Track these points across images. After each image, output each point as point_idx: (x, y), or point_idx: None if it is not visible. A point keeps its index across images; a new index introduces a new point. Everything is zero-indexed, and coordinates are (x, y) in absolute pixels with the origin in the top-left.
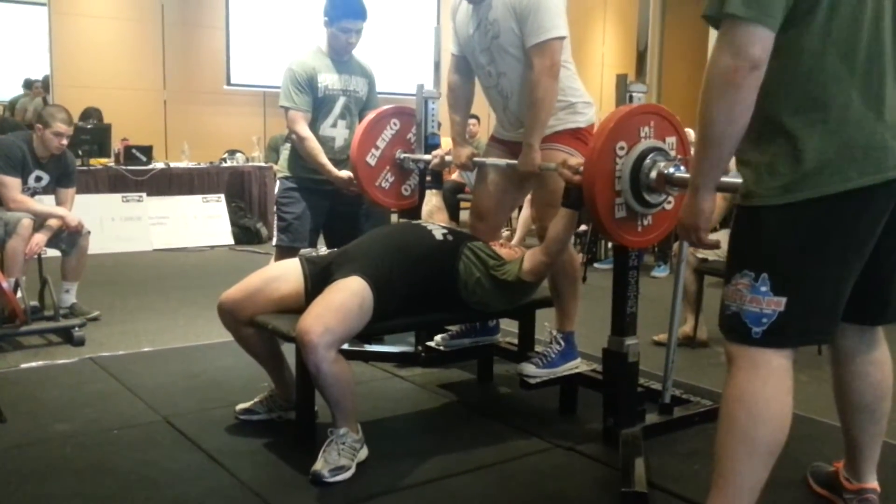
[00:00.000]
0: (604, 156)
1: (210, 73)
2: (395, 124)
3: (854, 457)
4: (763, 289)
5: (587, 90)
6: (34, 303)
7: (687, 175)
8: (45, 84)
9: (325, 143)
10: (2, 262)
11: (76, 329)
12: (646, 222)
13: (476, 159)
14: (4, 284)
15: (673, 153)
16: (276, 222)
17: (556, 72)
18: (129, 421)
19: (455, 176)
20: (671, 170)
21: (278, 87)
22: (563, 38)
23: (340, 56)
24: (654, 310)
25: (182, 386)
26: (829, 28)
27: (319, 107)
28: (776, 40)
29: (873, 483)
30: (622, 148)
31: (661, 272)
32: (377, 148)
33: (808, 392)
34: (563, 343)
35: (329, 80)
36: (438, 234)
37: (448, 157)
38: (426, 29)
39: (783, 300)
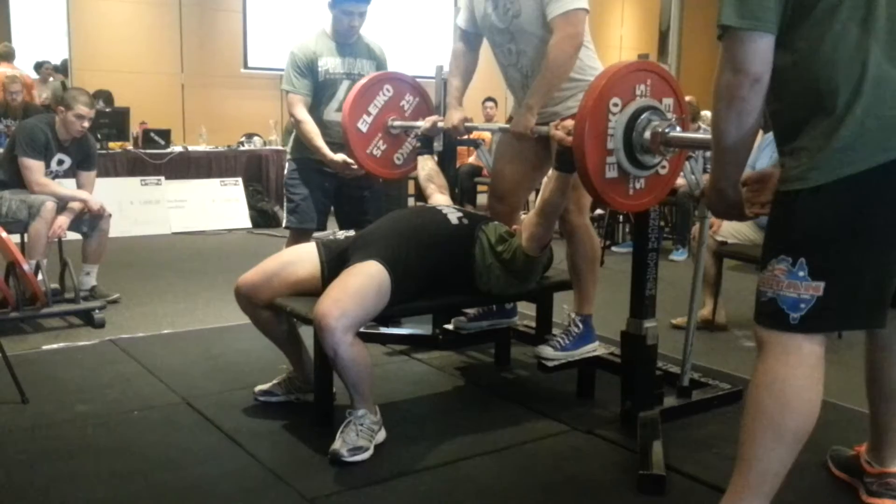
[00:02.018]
0: (597, 110)
1: (227, 56)
2: (387, 90)
3: (879, 442)
4: (801, 273)
5: None
6: (55, 285)
7: (683, 135)
8: (63, 67)
9: (330, 127)
10: (24, 245)
11: (96, 311)
12: (638, 185)
13: (468, 124)
14: (26, 267)
15: (669, 115)
16: (285, 204)
17: (579, 43)
18: (150, 402)
19: (472, 159)
20: (666, 129)
21: None
22: (587, 10)
23: (345, 39)
24: (673, 293)
25: (201, 368)
26: (843, 5)
27: (322, 91)
28: (797, 33)
29: (895, 468)
30: (616, 105)
31: (679, 256)
32: (369, 114)
33: (828, 376)
34: (581, 326)
35: (330, 63)
36: (454, 218)
37: (441, 123)
38: (445, 10)
39: (821, 285)
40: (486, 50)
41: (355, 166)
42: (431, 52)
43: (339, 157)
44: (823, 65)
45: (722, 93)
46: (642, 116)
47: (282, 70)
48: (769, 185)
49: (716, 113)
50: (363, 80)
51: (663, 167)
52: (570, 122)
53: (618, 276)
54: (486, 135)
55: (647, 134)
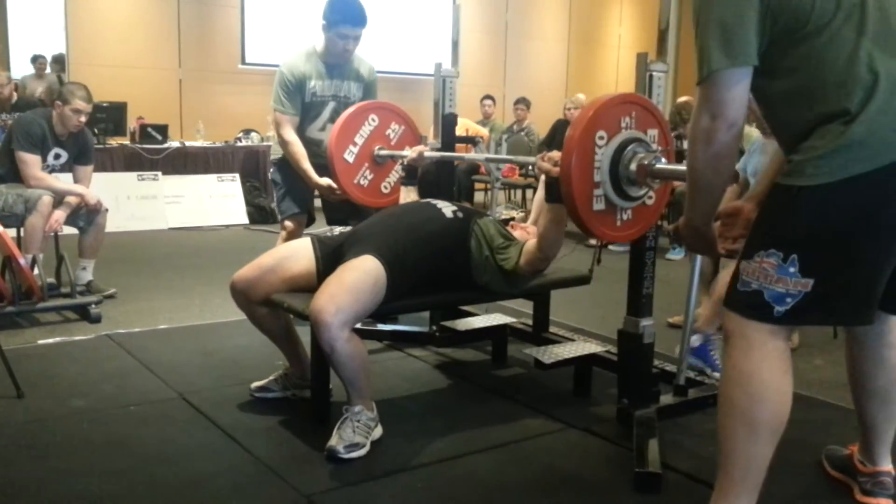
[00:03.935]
0: (582, 145)
1: (225, 52)
2: (373, 120)
3: (868, 440)
4: (791, 270)
5: (604, 72)
6: (51, 280)
7: (669, 167)
8: (58, 60)
9: (313, 144)
10: (20, 239)
11: (93, 306)
12: (625, 216)
13: (427, 153)
14: (22, 261)
15: (654, 145)
16: (276, 197)
17: None
18: (146, 397)
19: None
20: (652, 161)
21: None
22: None
23: (337, 61)
24: (670, 292)
25: (198, 363)
26: (835, 18)
27: (307, 111)
28: (787, 58)
29: (888, 466)
30: (602, 138)
31: (676, 255)
32: (355, 144)
33: (823, 375)
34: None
35: (318, 86)
36: (448, 211)
37: (428, 153)
38: (444, 7)
39: (810, 282)
40: (489, 47)
41: (340, 191)
42: (430, 49)
43: (325, 181)
44: (831, 76)
45: (699, 136)
46: (628, 148)
47: (279, 66)
48: (740, 219)
49: (692, 154)
50: (349, 111)
51: (650, 197)
52: (556, 154)
53: (615, 275)
54: (484, 132)
55: (634, 166)
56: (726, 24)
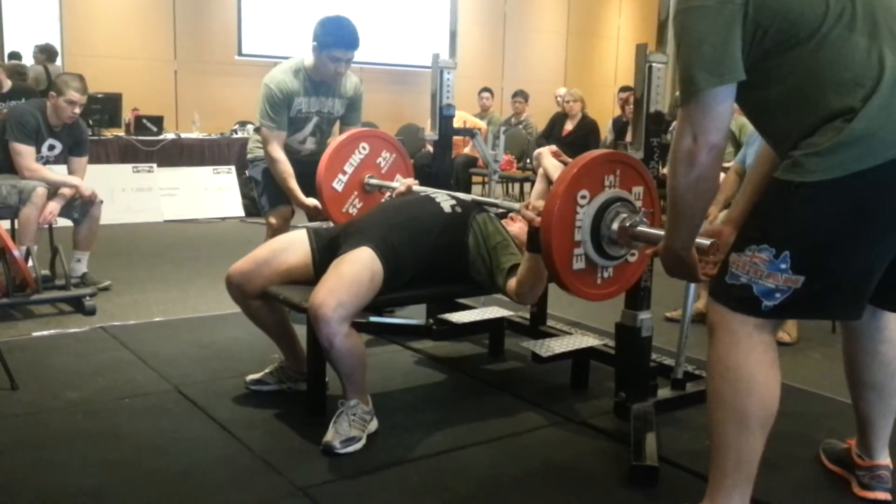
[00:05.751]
0: (564, 204)
1: (221, 43)
2: (363, 148)
3: (865, 434)
4: (783, 266)
5: (603, 64)
6: (45, 272)
7: (651, 230)
8: (44, 50)
9: (291, 151)
10: (14, 230)
11: (87, 298)
12: (606, 275)
13: (416, 188)
14: (16, 253)
15: (639, 204)
16: (256, 194)
17: None
18: (141, 390)
19: (468, 150)
20: (635, 220)
21: (290, 58)
22: None
23: (325, 79)
24: (668, 286)
25: (193, 356)
26: (825, 22)
27: (289, 124)
28: (780, 67)
29: (886, 459)
30: (584, 197)
31: None
32: (344, 173)
33: (822, 369)
34: None
35: (304, 103)
36: (447, 206)
37: (416, 187)
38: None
39: (801, 279)
40: (487, 38)
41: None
42: (427, 41)
43: (311, 201)
44: (830, 76)
45: (681, 158)
46: (610, 208)
47: (276, 58)
48: (721, 244)
49: (674, 177)
50: (339, 139)
51: (632, 254)
52: (540, 203)
53: None
54: (482, 125)
55: (615, 226)
56: (712, 42)
